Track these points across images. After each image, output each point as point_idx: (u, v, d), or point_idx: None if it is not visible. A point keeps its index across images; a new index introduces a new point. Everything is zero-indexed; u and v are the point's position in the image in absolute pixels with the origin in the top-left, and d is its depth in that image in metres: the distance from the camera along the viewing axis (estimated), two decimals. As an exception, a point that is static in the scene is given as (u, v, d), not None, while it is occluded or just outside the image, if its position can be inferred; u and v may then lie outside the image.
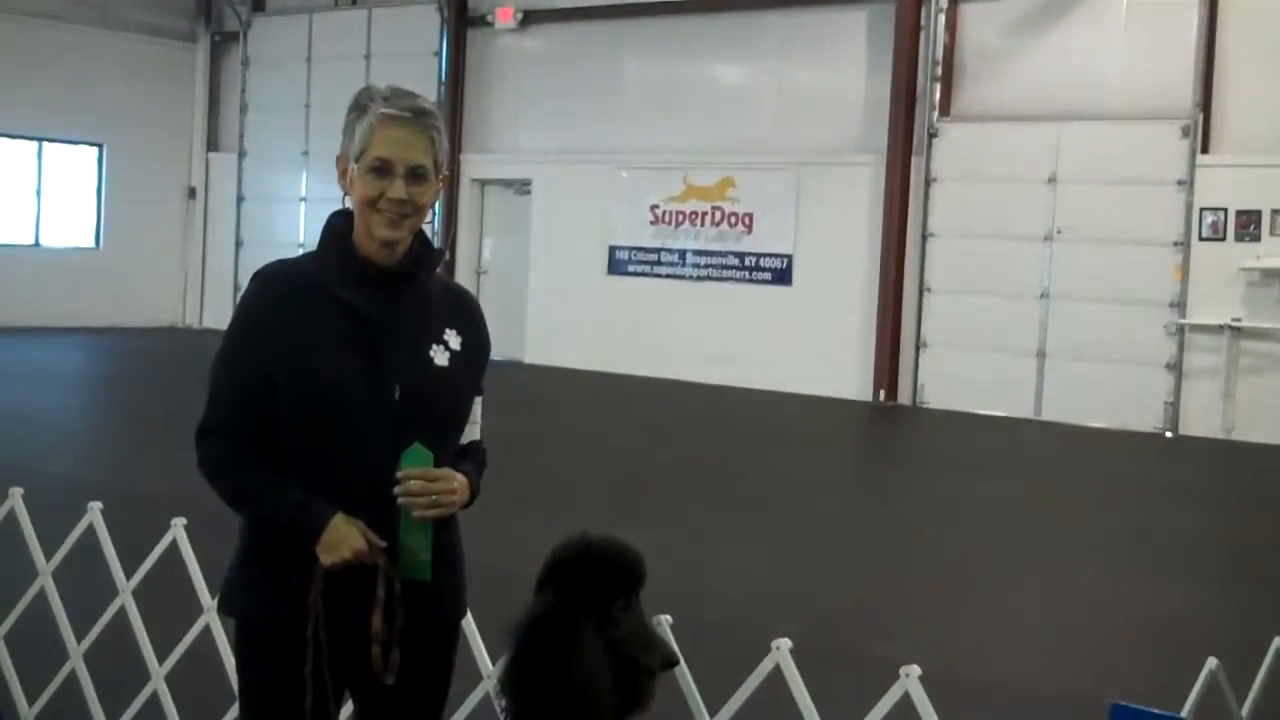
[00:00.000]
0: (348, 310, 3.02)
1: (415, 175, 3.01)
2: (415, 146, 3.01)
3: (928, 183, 17.91)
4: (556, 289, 20.81)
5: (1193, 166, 16.14)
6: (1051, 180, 17.05)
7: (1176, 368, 16.26)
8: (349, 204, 3.09)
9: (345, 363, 2.99)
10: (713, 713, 3.38)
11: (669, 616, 3.34)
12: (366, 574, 2.96)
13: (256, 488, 3.01)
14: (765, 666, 3.33)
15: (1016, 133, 17.30)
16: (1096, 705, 3.26)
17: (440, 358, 3.09)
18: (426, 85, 20.56)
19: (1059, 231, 17.01)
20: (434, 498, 2.98)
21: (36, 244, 23.40)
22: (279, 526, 3.00)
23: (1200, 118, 16.15)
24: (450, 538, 3.14)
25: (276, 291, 3.05)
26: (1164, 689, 4.15)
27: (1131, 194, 16.49)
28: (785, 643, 3.33)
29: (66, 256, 23.58)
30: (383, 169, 3.00)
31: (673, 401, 17.54)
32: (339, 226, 3.10)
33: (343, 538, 2.94)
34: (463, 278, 20.68)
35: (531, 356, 20.57)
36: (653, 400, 17.65)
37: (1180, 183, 16.22)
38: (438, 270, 3.20)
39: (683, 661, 3.31)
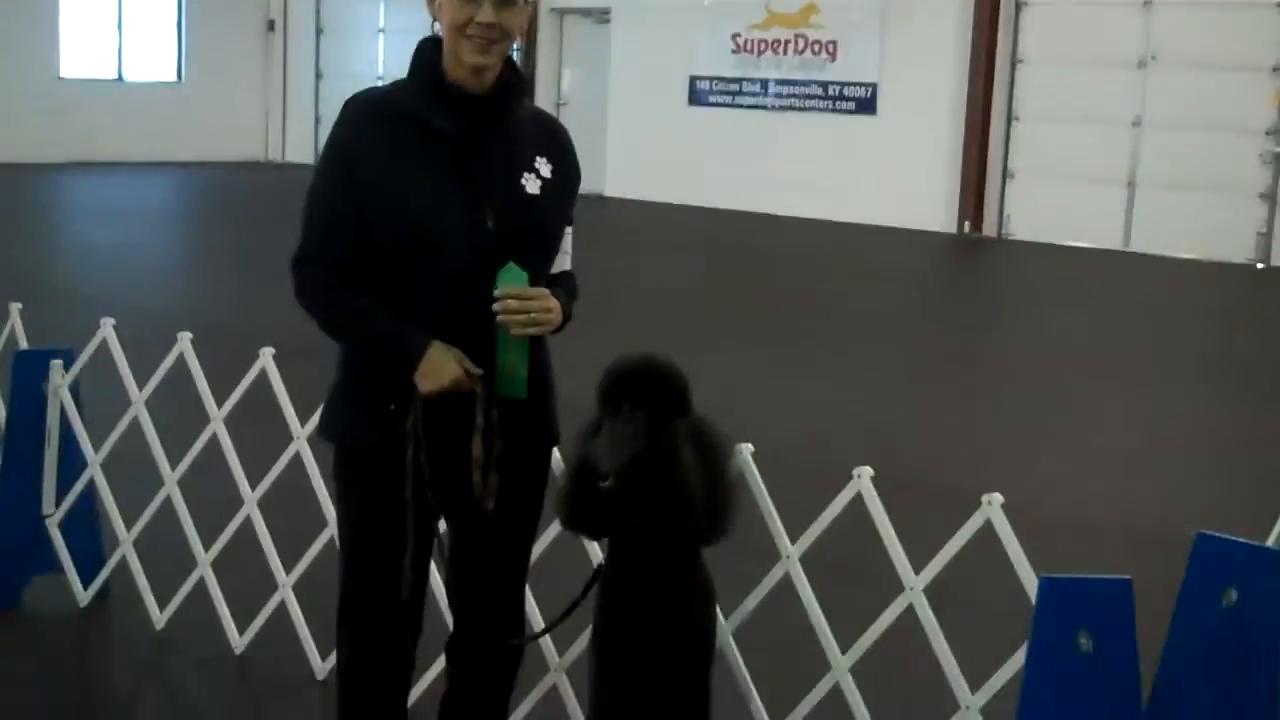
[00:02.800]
0: (439, 136, 3.01)
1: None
2: None
3: (1018, 7, 17.42)
4: (637, 121, 20.59)
5: (1295, -13, 15.57)
6: (1147, 3, 16.51)
7: (1271, 197, 15.88)
8: (438, 30, 3.06)
9: (438, 189, 3.00)
10: (794, 540, 3.41)
11: (750, 445, 3.36)
12: (464, 400, 3.00)
13: (354, 315, 3.04)
14: (846, 494, 3.35)
15: (1111, -46, 16.74)
16: (1181, 536, 3.25)
17: (532, 185, 3.09)
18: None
19: (1153, 58, 16.53)
20: (531, 315, 2.99)
21: (120, 79, 23.49)
22: (377, 354, 3.04)
23: (1305, -64, 15.53)
24: (543, 362, 3.17)
25: (368, 119, 3.05)
26: (1252, 520, 4.12)
27: (1228, 17, 15.97)
28: (867, 470, 3.34)
29: (149, 91, 23.65)
30: None
31: (755, 234, 17.44)
32: (428, 54, 3.08)
33: (440, 365, 2.97)
34: (542, 109, 20.51)
35: (612, 189, 20.45)
36: (735, 233, 17.56)
37: (1279, 4, 15.67)
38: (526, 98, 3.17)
39: (764, 488, 3.33)
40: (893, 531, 3.29)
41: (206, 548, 4.59)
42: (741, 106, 19.74)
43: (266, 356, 4.39)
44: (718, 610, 3.31)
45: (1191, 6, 16.22)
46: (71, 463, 4.88)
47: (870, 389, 9.18)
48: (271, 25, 25.21)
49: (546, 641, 3.72)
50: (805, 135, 19.06)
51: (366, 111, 3.07)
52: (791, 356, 10.04)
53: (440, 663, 3.70)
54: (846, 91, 18.79)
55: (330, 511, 4.02)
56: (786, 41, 19.24)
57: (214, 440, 4.54)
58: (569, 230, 3.22)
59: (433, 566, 3.36)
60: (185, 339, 4.59)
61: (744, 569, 3.49)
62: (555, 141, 3.20)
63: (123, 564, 4.79)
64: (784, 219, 18.54)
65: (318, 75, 24.66)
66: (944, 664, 3.23)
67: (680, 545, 3.11)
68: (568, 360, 3.33)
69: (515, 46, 3.11)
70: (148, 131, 23.01)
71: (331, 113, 3.15)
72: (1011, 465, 7.39)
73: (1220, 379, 10.01)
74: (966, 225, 17.77)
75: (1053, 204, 17.26)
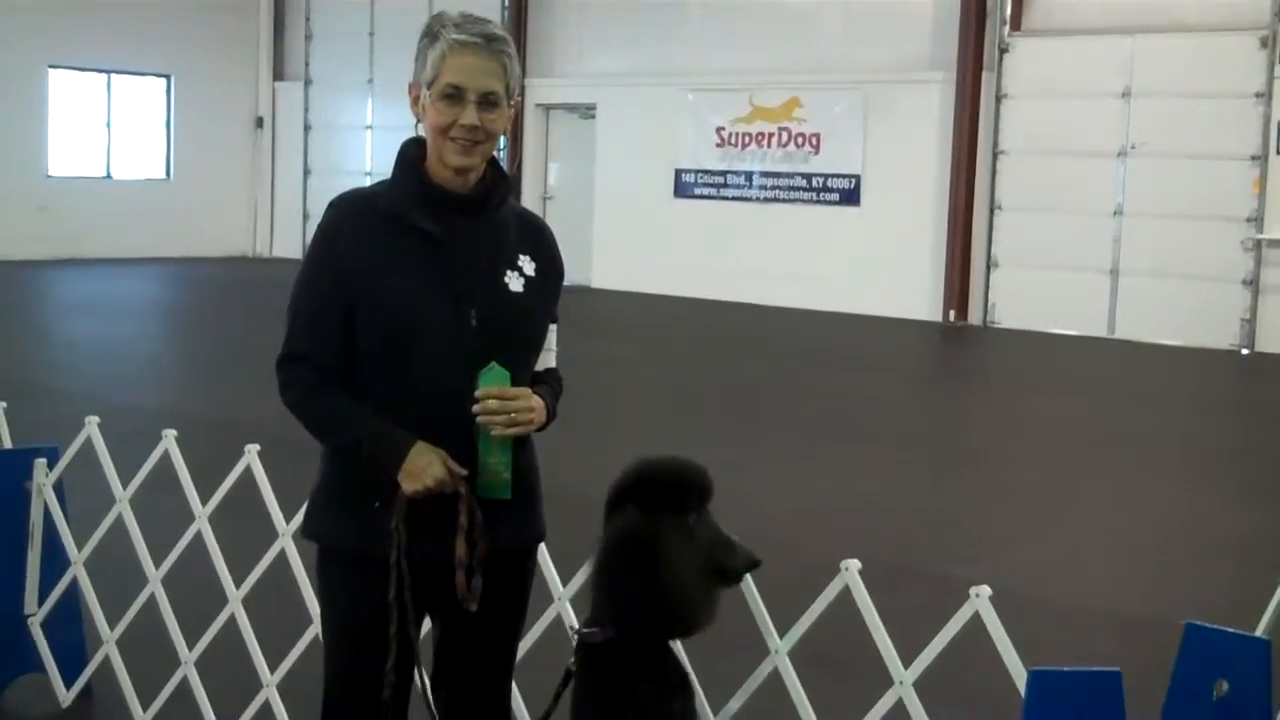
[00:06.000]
0: (423, 237, 3.03)
1: (487, 101, 3.01)
2: (487, 73, 3.00)
3: (998, 99, 17.64)
4: (623, 213, 20.74)
5: (1271, 78, 15.78)
6: (1125, 95, 16.73)
7: (1253, 284, 15.99)
8: (421, 132, 3.09)
9: (422, 289, 3.01)
10: (781, 633, 3.39)
11: (736, 536, 3.34)
12: (448, 501, 2.99)
13: (338, 416, 3.04)
14: (834, 587, 3.33)
15: (1089, 46, 16.98)
16: (1170, 625, 3.24)
17: (515, 284, 3.10)
18: (490, 9, 20.46)
19: (1133, 147, 16.72)
20: (512, 415, 2.99)
21: (108, 176, 23.64)
22: (360, 454, 3.03)
23: (1279, 28, 15.76)
24: (527, 462, 3.16)
25: (352, 220, 3.07)
26: (1239, 608, 4.11)
27: (1208, 107, 16.16)
28: (854, 563, 3.32)
29: (138, 188, 23.79)
30: (454, 95, 2.99)
31: (740, 324, 17.50)
32: (412, 154, 3.10)
33: (424, 466, 2.97)
34: (529, 203, 20.65)
35: (599, 281, 20.55)
36: (720, 323, 17.62)
37: (1258, 95, 15.86)
38: (510, 198, 3.20)
39: (752, 582, 3.32)
40: (881, 625, 3.26)
41: (190, 646, 4.53)
42: (726, 198, 19.90)
43: (251, 454, 4.38)
44: (706, 706, 3.27)
45: (1170, 97, 16.43)
46: (54, 561, 4.83)
47: (856, 477, 9.17)
48: (260, 122, 25.43)
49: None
50: (789, 226, 19.20)
51: (351, 211, 3.09)
52: (776, 445, 10.03)
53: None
54: (830, 183, 18.96)
55: (315, 609, 3.98)
56: (770, 135, 19.44)
57: (198, 538, 4.51)
58: (553, 328, 3.23)
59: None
60: (170, 436, 4.57)
61: (730, 663, 3.46)
62: (539, 240, 3.22)
63: (106, 663, 4.73)
64: (769, 309, 18.62)
65: (306, 171, 24.84)
66: (935, 758, 3.19)
67: (654, 637, 3.07)
68: (555, 455, 3.33)
69: (500, 144, 3.14)
70: (136, 228, 23.13)
71: (319, 208, 3.17)
72: (1000, 553, 7.36)
73: (1208, 466, 10.02)
74: (951, 314, 17.86)
75: (1037, 292, 17.37)
